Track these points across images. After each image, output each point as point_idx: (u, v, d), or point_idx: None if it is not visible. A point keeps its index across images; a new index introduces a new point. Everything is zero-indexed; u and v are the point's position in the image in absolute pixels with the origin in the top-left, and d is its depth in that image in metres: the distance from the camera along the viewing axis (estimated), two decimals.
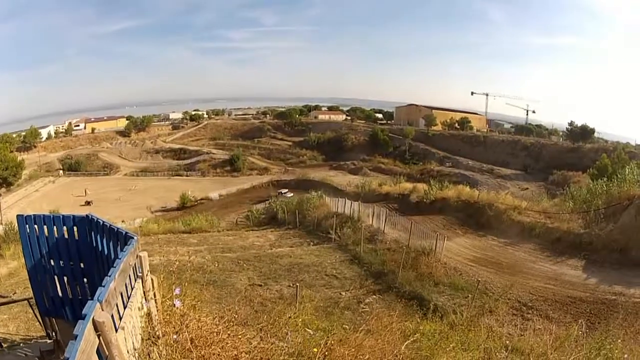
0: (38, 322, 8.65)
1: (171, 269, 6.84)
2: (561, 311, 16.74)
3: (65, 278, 7.37)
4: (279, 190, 65.56)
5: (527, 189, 75.37)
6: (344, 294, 18.05)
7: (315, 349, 6.73)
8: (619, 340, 9.33)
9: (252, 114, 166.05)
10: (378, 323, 9.28)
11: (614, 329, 10.78)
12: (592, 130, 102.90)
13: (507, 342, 10.21)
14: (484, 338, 9.89)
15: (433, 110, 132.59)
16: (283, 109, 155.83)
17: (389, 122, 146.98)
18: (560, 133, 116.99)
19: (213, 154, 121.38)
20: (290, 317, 8.53)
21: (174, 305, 5.97)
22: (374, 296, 17.95)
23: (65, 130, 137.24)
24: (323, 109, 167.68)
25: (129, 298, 5.08)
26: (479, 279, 18.40)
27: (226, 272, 20.35)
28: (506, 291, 17.48)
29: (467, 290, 17.76)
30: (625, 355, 8.62)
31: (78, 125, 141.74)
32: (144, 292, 5.78)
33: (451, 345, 8.43)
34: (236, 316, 6.91)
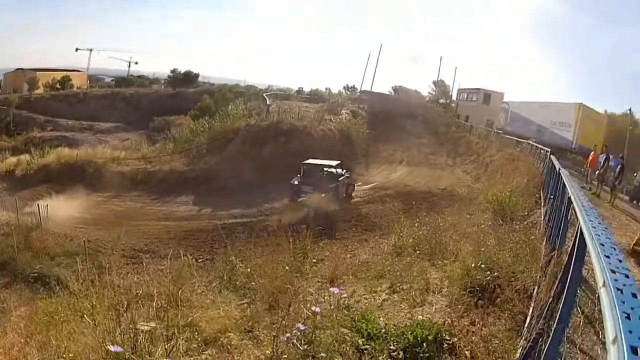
0: None
1: None
2: (180, 246, 17.54)
3: None
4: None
5: (127, 139, 75.36)
6: None
7: None
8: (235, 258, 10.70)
9: None
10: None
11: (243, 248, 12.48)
12: (197, 75, 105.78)
13: (138, 292, 9.87)
14: (111, 296, 9.38)
15: (37, 73, 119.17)
16: None
17: None
18: (162, 81, 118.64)
19: None
20: None
21: None
22: (6, 290, 16.39)
23: None
24: None
25: None
26: (89, 239, 18.28)
27: None
28: (116, 243, 17.53)
29: (81, 253, 17.26)
30: (248, 269, 9.79)
31: None
32: None
33: (71, 317, 8.18)
34: None
